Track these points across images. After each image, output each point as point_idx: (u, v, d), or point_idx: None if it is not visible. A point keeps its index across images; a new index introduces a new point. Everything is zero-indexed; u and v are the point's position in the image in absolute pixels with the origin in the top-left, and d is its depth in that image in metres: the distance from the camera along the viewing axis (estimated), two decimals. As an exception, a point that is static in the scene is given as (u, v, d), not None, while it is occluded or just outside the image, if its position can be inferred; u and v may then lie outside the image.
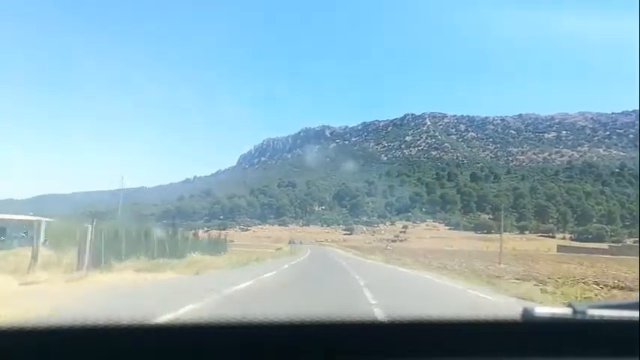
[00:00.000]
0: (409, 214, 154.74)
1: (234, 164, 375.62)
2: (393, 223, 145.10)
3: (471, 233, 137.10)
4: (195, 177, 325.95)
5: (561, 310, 1.29)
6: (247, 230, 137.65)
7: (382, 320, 1.35)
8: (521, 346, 1.23)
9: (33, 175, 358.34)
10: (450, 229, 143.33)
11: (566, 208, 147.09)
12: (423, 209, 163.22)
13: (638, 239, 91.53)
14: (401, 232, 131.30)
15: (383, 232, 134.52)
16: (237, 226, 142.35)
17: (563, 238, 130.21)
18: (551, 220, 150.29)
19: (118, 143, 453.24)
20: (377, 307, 9.22)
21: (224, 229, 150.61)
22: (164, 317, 6.47)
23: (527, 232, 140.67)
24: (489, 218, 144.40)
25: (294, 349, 1.20)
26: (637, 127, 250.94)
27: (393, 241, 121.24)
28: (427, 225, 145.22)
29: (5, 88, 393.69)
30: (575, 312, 1.26)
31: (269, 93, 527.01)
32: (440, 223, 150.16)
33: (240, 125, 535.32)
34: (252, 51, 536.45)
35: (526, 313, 1.28)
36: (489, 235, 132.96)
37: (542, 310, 1.27)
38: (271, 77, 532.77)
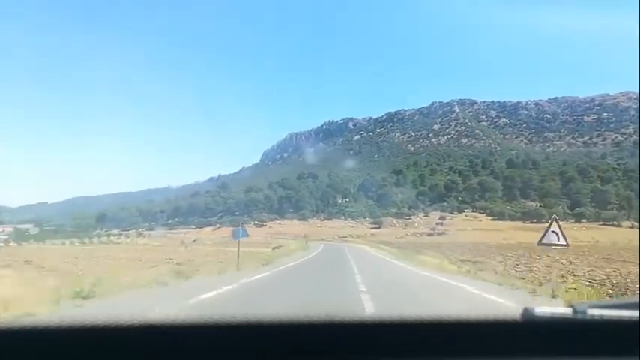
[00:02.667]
0: (444, 204, 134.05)
1: (258, 161, 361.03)
2: (427, 215, 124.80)
3: (518, 223, 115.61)
4: (219, 175, 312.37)
5: (561, 310, 1.26)
6: (262, 226, 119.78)
7: (381, 319, 1.29)
8: (521, 346, 1.20)
9: (64, 179, 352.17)
10: (492, 219, 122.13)
11: (628, 192, 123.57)
12: (460, 198, 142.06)
13: None
14: (437, 224, 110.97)
15: (416, 224, 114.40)
16: (252, 222, 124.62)
17: (632, 227, 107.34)
18: (609, 207, 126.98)
19: (143, 146, 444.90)
20: None
21: (237, 226, 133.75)
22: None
23: (584, 220, 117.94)
24: (539, 206, 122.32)
25: (294, 348, 1.17)
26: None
27: (430, 234, 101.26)
28: (466, 215, 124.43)
29: (22, 91, 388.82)
30: (575, 312, 1.23)
31: (291, 88, 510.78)
32: (480, 213, 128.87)
33: (264, 122, 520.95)
34: (274, 48, 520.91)
35: (526, 312, 1.24)
36: (541, 225, 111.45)
37: (543, 310, 1.24)
38: (293, 72, 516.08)
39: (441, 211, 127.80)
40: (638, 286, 16.85)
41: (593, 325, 1.22)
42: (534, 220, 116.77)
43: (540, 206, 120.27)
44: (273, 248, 39.75)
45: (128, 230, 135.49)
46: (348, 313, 1.21)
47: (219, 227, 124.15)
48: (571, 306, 1.25)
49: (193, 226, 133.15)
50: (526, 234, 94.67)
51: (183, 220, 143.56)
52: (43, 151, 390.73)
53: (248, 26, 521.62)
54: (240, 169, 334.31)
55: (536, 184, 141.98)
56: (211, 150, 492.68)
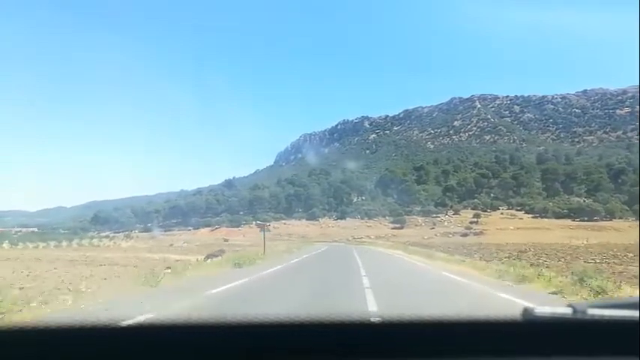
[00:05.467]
0: (475, 200, 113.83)
1: (272, 163, 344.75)
2: (456, 213, 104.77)
3: (566, 221, 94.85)
4: (234, 177, 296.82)
5: (561, 310, 1.22)
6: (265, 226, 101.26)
7: (382, 320, 1.25)
8: (521, 346, 1.17)
9: (83, 184, 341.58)
10: (533, 216, 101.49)
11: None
12: (492, 195, 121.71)
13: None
14: (472, 222, 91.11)
15: (446, 223, 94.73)
16: (254, 222, 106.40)
17: None
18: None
19: (160, 150, 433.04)
20: None
21: (238, 227, 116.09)
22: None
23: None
24: (591, 201, 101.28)
25: (295, 349, 1.14)
26: None
27: (464, 235, 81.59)
28: (502, 213, 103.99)
29: (43, 97, 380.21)
30: (575, 312, 1.19)
31: (305, 89, 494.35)
32: (517, 210, 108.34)
33: (279, 124, 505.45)
34: (287, 49, 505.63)
35: (526, 312, 1.21)
36: (597, 223, 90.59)
37: (543, 310, 1.20)
38: (309, 72, 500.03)
39: (472, 209, 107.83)
40: None
41: (593, 325, 1.18)
42: (585, 218, 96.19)
43: (593, 201, 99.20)
44: (205, 258, 22.07)
45: (119, 232, 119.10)
46: (349, 313, 1.18)
47: (217, 228, 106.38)
48: (571, 306, 1.22)
49: (191, 227, 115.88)
50: (595, 234, 74.27)
51: (183, 221, 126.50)
52: (59, 156, 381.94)
53: (259, 30, 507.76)
54: (255, 172, 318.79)
55: (580, 177, 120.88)
56: (227, 154, 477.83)
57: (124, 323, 1.15)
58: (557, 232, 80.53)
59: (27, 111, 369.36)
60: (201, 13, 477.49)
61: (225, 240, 71.98)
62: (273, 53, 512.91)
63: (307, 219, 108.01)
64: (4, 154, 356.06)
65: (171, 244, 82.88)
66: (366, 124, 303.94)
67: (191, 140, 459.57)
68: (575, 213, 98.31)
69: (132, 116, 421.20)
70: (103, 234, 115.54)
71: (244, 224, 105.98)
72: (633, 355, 1.13)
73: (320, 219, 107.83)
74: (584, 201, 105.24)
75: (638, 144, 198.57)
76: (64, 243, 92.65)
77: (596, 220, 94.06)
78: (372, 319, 1.22)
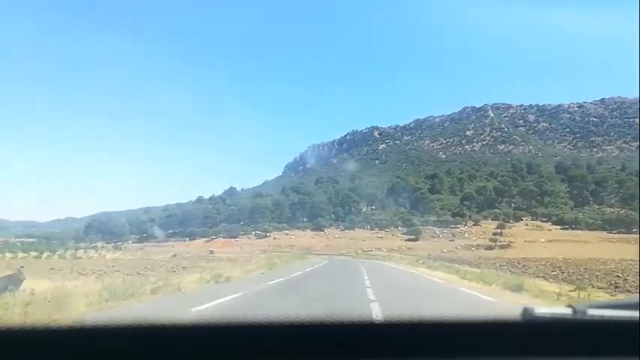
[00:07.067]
0: (495, 210, 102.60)
1: (280, 174, 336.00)
2: (476, 223, 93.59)
3: (601, 233, 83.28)
4: (242, 189, 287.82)
5: (561, 310, 1.21)
6: (265, 237, 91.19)
7: (382, 320, 1.26)
8: (521, 346, 1.15)
9: (92, 195, 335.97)
10: (562, 228, 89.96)
11: None
12: (513, 204, 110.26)
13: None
14: (495, 234, 79.98)
15: (466, 235, 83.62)
16: (253, 232, 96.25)
17: None
18: None
19: (167, 162, 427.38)
20: None
21: (234, 237, 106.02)
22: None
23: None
24: (629, 209, 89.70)
25: (295, 349, 1.13)
26: None
27: (489, 247, 70.51)
28: (527, 224, 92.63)
29: (57, 110, 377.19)
30: (575, 312, 1.18)
31: (313, 99, 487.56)
32: (542, 221, 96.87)
33: (287, 135, 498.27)
34: (295, 58, 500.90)
35: (526, 313, 1.20)
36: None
37: (543, 310, 1.19)
38: (317, 81, 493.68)
39: (493, 219, 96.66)
40: None
41: (593, 325, 1.17)
42: (622, 230, 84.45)
43: (632, 210, 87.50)
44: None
45: (110, 243, 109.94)
46: (349, 314, 1.17)
47: (213, 238, 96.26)
48: (571, 306, 1.20)
49: (187, 238, 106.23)
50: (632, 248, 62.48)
51: (180, 231, 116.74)
52: (71, 166, 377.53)
53: (265, 37, 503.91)
54: (263, 183, 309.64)
55: (612, 186, 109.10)
56: (236, 166, 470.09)
57: (124, 323, 1.12)
58: (599, 245, 69.26)
59: (29, 116, 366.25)
60: (208, 19, 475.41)
61: (211, 252, 62.12)
62: (280, 62, 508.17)
63: (312, 229, 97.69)
64: (15, 165, 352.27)
65: (161, 257, 74.15)
66: (376, 134, 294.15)
67: (199, 152, 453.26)
68: (610, 224, 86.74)
69: (141, 127, 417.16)
70: (93, 245, 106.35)
71: (242, 235, 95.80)
72: (633, 355, 1.11)
73: (326, 229, 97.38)
74: (620, 211, 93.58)
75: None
76: (45, 254, 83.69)
77: (635, 233, 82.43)
78: (373, 320, 1.21)
